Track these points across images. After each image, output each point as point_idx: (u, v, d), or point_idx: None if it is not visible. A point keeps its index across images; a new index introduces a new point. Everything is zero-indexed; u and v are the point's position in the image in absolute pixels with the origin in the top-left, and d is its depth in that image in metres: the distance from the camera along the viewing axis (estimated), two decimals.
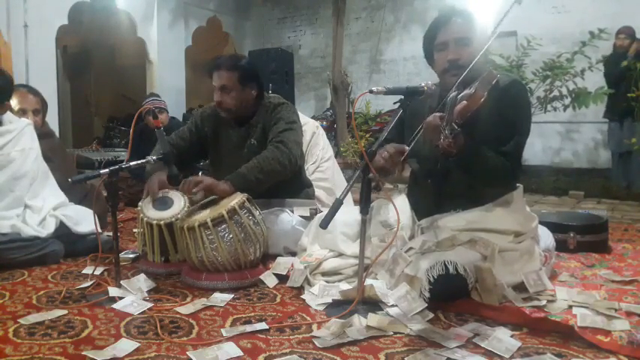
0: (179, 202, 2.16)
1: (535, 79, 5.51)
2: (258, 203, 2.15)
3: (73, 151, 6.32)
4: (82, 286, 1.96)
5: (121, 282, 1.91)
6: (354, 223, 2.01)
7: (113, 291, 1.85)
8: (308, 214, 2.45)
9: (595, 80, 5.34)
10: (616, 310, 1.58)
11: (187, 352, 1.40)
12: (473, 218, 1.86)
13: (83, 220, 2.45)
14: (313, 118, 5.84)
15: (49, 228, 2.35)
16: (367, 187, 1.64)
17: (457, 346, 1.43)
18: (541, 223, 2.11)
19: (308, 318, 1.68)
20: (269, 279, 2.03)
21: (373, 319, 1.58)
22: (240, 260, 2.01)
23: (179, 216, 2.10)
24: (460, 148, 1.57)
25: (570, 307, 1.63)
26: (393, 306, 1.68)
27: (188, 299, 1.85)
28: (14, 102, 2.71)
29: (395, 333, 1.54)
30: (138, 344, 1.44)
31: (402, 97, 1.74)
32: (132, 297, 1.81)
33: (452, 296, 1.70)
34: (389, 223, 1.98)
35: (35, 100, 2.83)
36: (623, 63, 4.96)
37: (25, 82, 5.52)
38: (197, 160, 3.03)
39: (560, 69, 5.38)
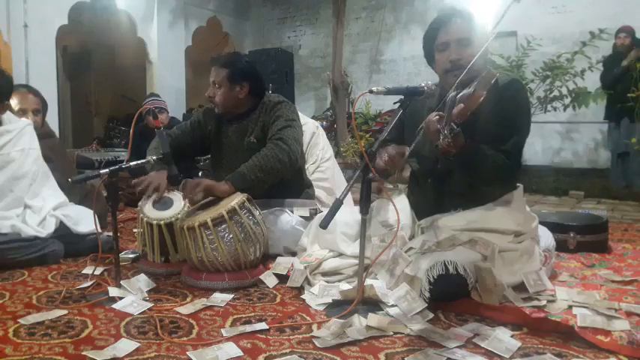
0: (179, 202, 2.17)
1: (535, 79, 5.51)
2: (258, 203, 2.15)
3: (73, 151, 6.30)
4: (82, 286, 1.96)
5: (121, 282, 1.91)
6: (354, 223, 2.01)
7: (113, 291, 1.85)
8: (308, 214, 2.45)
9: (595, 80, 5.35)
10: (616, 310, 1.58)
11: (187, 352, 1.40)
12: (473, 218, 1.86)
13: (83, 220, 2.45)
14: (313, 118, 5.85)
15: (49, 228, 2.35)
16: (367, 187, 1.64)
17: (457, 346, 1.43)
18: (541, 223, 2.11)
19: (308, 318, 1.68)
20: (269, 279, 2.03)
21: (373, 319, 1.58)
22: (240, 260, 2.01)
23: (179, 216, 2.10)
24: (460, 147, 1.57)
25: (570, 307, 1.63)
26: (393, 306, 1.68)
27: (188, 299, 1.85)
28: (14, 102, 2.70)
29: (395, 333, 1.53)
30: (138, 344, 1.44)
31: (402, 97, 1.74)
32: (132, 297, 1.81)
33: (452, 296, 1.70)
34: (389, 223, 1.98)
35: (35, 100, 2.83)
36: (623, 63, 4.96)
37: (25, 82, 5.53)
38: (195, 155, 3.04)
39: (560, 69, 5.39)
